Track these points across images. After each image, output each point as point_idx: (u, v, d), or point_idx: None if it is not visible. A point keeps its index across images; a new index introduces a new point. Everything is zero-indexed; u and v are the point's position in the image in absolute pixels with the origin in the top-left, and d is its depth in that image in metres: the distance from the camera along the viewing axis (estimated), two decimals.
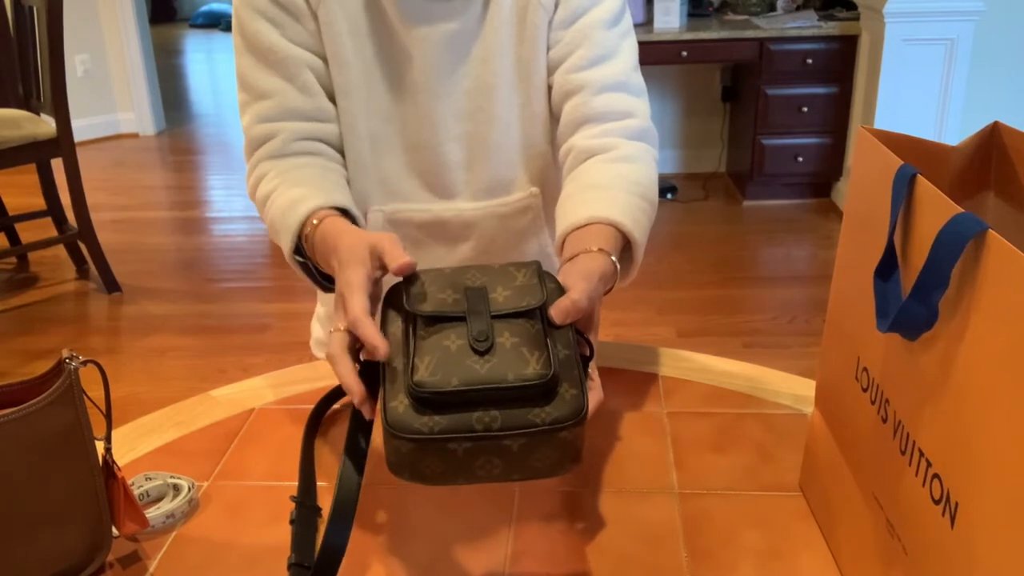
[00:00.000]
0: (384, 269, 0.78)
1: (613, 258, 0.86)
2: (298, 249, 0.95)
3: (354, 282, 0.76)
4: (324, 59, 1.04)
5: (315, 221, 0.91)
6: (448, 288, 0.73)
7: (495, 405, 0.67)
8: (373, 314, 0.75)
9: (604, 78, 1.04)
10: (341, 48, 1.03)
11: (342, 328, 0.75)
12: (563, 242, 0.91)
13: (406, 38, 1.02)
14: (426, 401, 0.67)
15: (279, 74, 1.02)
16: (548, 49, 1.07)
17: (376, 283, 0.79)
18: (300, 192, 0.95)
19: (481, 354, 0.68)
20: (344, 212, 0.96)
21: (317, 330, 1.32)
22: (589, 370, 0.75)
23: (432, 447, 0.66)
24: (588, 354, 0.76)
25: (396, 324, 0.73)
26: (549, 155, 1.15)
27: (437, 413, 0.67)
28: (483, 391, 0.67)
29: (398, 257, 0.75)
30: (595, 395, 0.74)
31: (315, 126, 1.04)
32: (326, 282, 0.98)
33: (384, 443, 0.69)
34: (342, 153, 1.08)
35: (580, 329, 0.76)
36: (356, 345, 0.75)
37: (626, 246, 0.93)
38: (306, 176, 0.99)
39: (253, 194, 1.04)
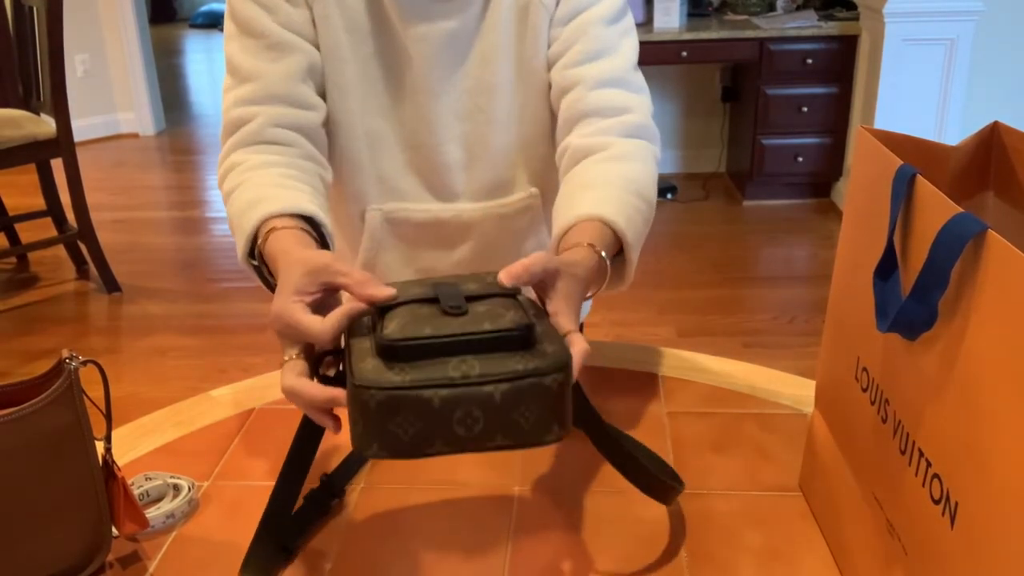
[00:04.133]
0: (328, 289, 0.73)
1: (602, 253, 0.83)
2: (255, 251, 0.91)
3: (285, 308, 0.72)
4: (317, 46, 1.03)
5: (266, 230, 0.86)
6: (416, 287, 0.70)
7: (472, 353, 0.62)
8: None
9: (600, 73, 1.02)
10: (338, 45, 1.02)
11: (294, 355, 0.71)
12: (557, 247, 0.89)
13: (405, 36, 1.02)
14: (397, 354, 0.62)
15: (266, 58, 1.00)
16: (548, 47, 1.06)
17: (322, 299, 0.74)
18: (259, 194, 0.91)
19: (455, 316, 0.64)
20: (303, 217, 0.91)
21: None
22: (568, 336, 0.71)
23: (405, 399, 0.60)
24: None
25: (362, 320, 0.70)
26: (549, 155, 1.15)
27: (409, 365, 0.62)
28: (458, 340, 0.62)
29: (358, 280, 0.70)
30: (579, 345, 0.70)
31: (295, 112, 1.01)
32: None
33: (350, 410, 0.63)
34: (323, 145, 1.05)
35: (550, 297, 0.74)
36: (315, 357, 0.72)
37: (621, 248, 0.91)
38: (270, 177, 0.95)
39: (221, 183, 1.00)
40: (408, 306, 0.67)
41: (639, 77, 1.06)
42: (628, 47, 1.05)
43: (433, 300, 0.67)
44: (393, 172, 1.10)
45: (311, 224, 0.90)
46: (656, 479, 0.79)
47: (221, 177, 1.00)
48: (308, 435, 0.76)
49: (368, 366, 0.62)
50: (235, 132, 1.00)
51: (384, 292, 0.69)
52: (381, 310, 0.67)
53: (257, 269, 0.91)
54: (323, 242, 0.91)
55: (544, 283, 0.75)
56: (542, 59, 1.06)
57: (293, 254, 0.79)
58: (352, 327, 0.70)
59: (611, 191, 0.92)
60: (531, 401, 0.62)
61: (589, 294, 0.83)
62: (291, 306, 0.71)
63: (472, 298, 0.68)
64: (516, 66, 1.06)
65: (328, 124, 1.07)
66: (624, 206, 0.91)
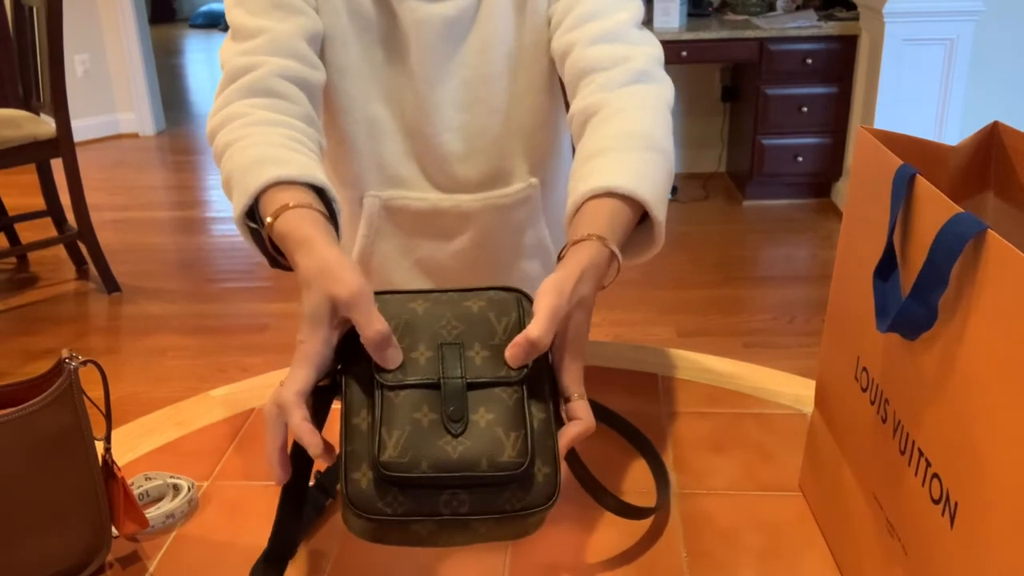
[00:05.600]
0: (347, 322, 0.68)
1: (611, 245, 0.76)
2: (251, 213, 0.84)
3: (307, 351, 0.67)
4: (318, 11, 1.01)
5: (279, 205, 0.78)
6: (420, 343, 0.67)
7: (465, 489, 0.63)
8: (322, 380, 0.68)
9: (596, 31, 0.97)
10: (340, 28, 1.02)
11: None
12: (568, 225, 0.83)
13: (404, 21, 1.02)
14: (392, 481, 0.62)
15: (273, 17, 0.96)
16: (549, 25, 1.03)
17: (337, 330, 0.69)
18: (267, 152, 0.84)
19: (454, 435, 0.63)
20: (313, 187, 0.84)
21: None
22: (571, 403, 0.69)
23: (394, 525, 0.63)
24: (567, 397, 0.70)
25: (362, 367, 0.67)
26: (549, 145, 1.14)
27: (402, 493, 0.63)
28: (453, 477, 0.62)
29: (375, 338, 0.65)
30: (582, 422, 0.68)
31: (301, 67, 0.96)
32: (277, 254, 0.82)
33: (342, 510, 0.65)
34: (320, 111, 1.01)
35: (557, 346, 0.70)
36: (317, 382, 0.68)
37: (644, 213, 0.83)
38: (277, 136, 0.87)
39: (214, 134, 0.91)
40: (411, 396, 0.65)
41: (644, 34, 0.99)
42: (631, 9, 0.99)
43: (435, 386, 0.65)
44: (393, 159, 1.10)
45: (320, 196, 0.83)
46: (624, 504, 0.80)
47: (215, 127, 0.91)
48: (298, 467, 0.72)
49: (362, 482, 0.63)
50: (237, 80, 0.94)
51: (392, 362, 0.66)
52: (382, 385, 0.65)
53: (254, 232, 0.84)
54: (333, 219, 0.83)
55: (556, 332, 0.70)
56: (543, 47, 1.05)
57: (317, 252, 0.71)
58: (354, 341, 0.67)
59: (617, 154, 0.85)
60: (511, 528, 0.66)
61: (604, 284, 0.78)
62: (306, 351, 0.67)
63: (475, 385, 0.66)
64: (515, 56, 1.05)
65: (328, 108, 1.07)
66: (636, 165, 0.83)
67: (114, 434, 0.97)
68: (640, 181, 0.81)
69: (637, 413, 0.99)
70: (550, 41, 1.04)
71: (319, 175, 0.83)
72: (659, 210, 0.83)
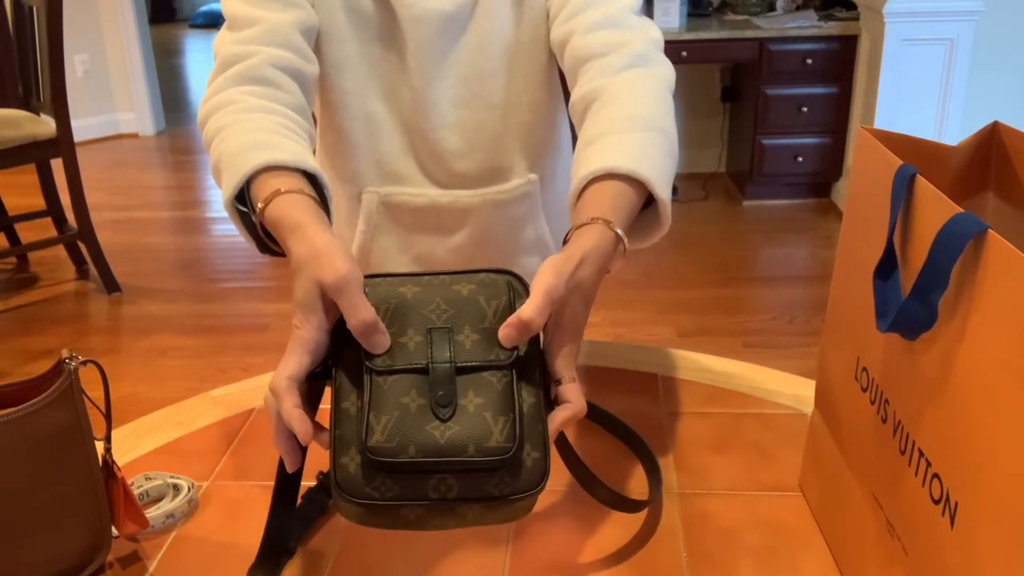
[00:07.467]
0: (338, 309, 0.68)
1: (616, 228, 0.75)
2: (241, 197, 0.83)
3: (301, 337, 0.67)
4: (315, 6, 1.01)
5: (271, 190, 0.78)
6: (410, 328, 0.67)
7: (453, 473, 0.63)
8: (314, 368, 0.68)
9: (593, 18, 0.97)
10: (336, 25, 1.02)
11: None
12: (571, 211, 0.83)
13: (402, 16, 1.02)
14: (381, 466, 0.63)
15: (269, 8, 0.96)
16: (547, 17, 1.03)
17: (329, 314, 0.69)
18: (260, 138, 0.84)
19: (443, 420, 0.63)
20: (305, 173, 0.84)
21: None
22: (562, 386, 0.69)
23: (383, 510, 0.64)
24: (558, 380, 0.70)
25: (353, 352, 0.67)
26: (548, 141, 1.14)
27: (390, 478, 0.63)
28: (441, 462, 0.63)
29: (363, 325, 0.66)
30: (572, 405, 0.68)
31: (295, 58, 0.96)
32: (267, 239, 0.83)
33: (332, 493, 0.66)
34: (311, 105, 1.01)
35: (551, 328, 0.70)
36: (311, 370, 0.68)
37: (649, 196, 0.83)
38: (270, 123, 0.87)
39: (206, 120, 0.91)
40: (399, 381, 0.65)
41: (642, 19, 0.98)
42: None
43: (424, 371, 0.65)
44: (391, 156, 1.10)
45: (312, 182, 0.83)
46: (617, 496, 0.80)
47: (207, 114, 0.91)
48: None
49: (351, 467, 0.64)
50: (230, 67, 0.93)
51: (379, 347, 0.66)
52: (371, 370, 0.65)
53: (243, 215, 0.83)
54: (324, 206, 0.82)
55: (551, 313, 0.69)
56: (541, 42, 1.05)
57: (308, 238, 0.71)
58: (345, 327, 0.67)
59: (616, 136, 0.84)
60: (500, 512, 0.66)
61: (609, 269, 0.77)
62: (300, 336, 0.67)
63: (464, 369, 0.66)
64: (513, 52, 1.05)
65: (326, 104, 1.06)
66: (636, 146, 0.83)
67: (114, 434, 0.97)
68: (641, 161, 0.81)
69: (637, 413, 0.99)
70: (548, 34, 1.04)
71: (311, 161, 0.83)
72: (663, 189, 0.82)
